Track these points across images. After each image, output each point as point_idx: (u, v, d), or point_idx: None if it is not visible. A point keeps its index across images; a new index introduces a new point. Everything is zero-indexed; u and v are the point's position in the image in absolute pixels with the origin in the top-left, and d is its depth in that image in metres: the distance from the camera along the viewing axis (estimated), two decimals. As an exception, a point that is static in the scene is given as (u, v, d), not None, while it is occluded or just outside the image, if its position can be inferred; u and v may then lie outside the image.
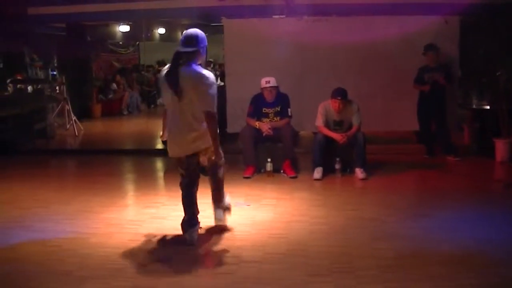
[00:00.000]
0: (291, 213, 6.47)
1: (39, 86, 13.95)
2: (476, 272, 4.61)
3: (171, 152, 5.46)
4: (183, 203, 5.55)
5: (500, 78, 9.17)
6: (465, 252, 5.06)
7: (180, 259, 5.06)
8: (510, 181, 7.72)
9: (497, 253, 5.03)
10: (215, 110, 5.21)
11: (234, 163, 8.47)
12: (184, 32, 5.39)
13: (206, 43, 5.34)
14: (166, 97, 5.34)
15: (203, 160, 5.45)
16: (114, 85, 17.24)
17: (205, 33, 5.38)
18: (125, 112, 17.17)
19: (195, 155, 5.40)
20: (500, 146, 9.02)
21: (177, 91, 5.14)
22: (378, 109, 9.92)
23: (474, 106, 10.36)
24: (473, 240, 5.37)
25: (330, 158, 8.26)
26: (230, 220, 5.98)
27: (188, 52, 5.20)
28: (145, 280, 4.59)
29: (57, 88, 14.08)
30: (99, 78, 17.78)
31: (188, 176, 5.51)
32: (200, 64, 5.28)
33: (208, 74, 5.20)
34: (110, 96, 17.08)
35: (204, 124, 5.24)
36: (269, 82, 8.39)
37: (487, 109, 10.00)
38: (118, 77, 17.56)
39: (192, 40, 5.25)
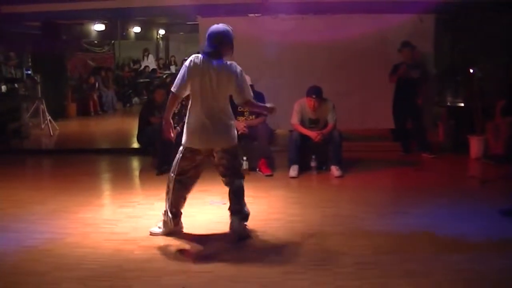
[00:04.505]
0: (268, 211, 6.47)
1: (14, 85, 13.82)
2: (452, 268, 4.64)
3: (200, 144, 5.40)
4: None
5: (474, 76, 9.27)
6: (441, 248, 5.10)
7: (157, 258, 5.04)
8: (484, 178, 7.79)
9: (472, 249, 5.08)
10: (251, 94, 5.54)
11: (209, 162, 8.46)
12: (209, 30, 5.40)
13: (231, 39, 5.42)
14: (200, 84, 5.26)
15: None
16: (84, 85, 17.09)
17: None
18: (92, 114, 16.86)
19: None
20: (474, 143, 9.12)
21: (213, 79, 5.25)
22: (354, 106, 9.96)
23: (449, 104, 10.44)
24: (449, 236, 5.41)
25: (306, 156, 8.29)
26: (206, 218, 5.96)
27: (213, 51, 5.29)
28: (121, 280, 4.56)
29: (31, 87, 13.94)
30: (74, 77, 17.64)
31: (195, 171, 5.57)
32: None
33: (235, 65, 5.43)
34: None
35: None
36: (244, 80, 8.37)
37: (462, 106, 10.09)
38: (92, 79, 17.40)
39: (213, 40, 5.32)
